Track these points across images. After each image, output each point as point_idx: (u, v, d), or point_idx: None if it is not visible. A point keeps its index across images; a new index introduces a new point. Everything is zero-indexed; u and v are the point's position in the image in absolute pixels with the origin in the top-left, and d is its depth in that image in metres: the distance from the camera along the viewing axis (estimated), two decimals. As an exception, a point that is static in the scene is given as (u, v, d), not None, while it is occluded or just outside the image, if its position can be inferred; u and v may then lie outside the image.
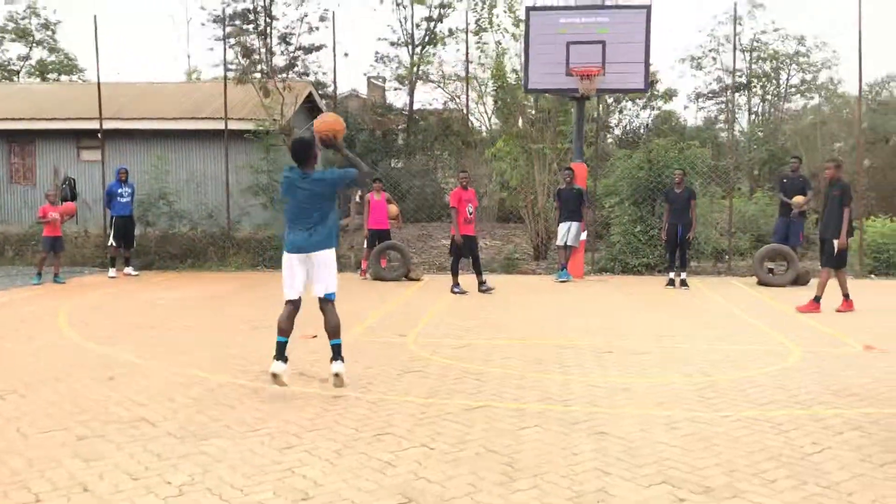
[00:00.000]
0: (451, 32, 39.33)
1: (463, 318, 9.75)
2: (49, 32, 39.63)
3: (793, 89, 37.16)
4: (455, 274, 12.10)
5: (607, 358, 7.42)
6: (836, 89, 35.35)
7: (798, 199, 13.07)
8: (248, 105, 17.00)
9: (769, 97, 37.03)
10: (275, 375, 5.97)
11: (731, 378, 6.60)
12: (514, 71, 18.10)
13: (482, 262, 12.77)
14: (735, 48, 20.06)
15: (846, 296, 10.11)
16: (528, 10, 13.26)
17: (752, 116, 34.95)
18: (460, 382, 6.47)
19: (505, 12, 18.19)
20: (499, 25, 17.42)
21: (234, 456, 4.64)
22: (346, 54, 43.27)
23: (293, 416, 5.50)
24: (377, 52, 38.70)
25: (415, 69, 37.85)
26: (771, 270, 13.06)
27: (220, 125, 16.32)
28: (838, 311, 9.94)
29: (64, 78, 39.08)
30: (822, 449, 4.78)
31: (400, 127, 37.18)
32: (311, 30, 43.79)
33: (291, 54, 42.20)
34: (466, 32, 16.65)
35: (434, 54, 38.30)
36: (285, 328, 6.08)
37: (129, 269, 14.49)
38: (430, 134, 36.13)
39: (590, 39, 12.77)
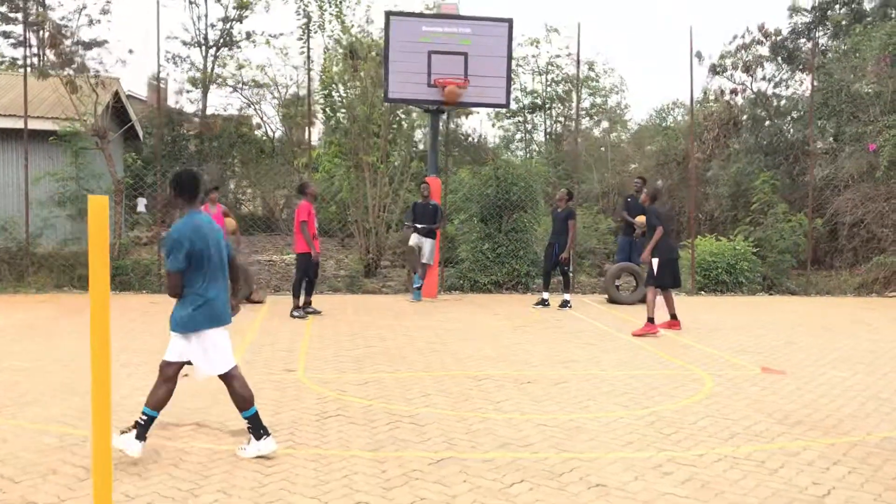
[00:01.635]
0: (248, 35, 37.72)
1: (344, 348, 8.85)
2: None
3: (583, 112, 39.32)
4: (297, 295, 11.08)
5: (532, 390, 6.92)
6: (623, 114, 37.88)
7: (641, 218, 13.41)
8: (45, 102, 14.82)
9: (561, 119, 38.95)
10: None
11: (670, 409, 6.34)
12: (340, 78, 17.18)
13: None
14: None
15: (673, 315, 10.35)
16: (388, 14, 12.50)
17: (547, 136, 36.47)
18: (397, 428, 5.67)
19: (334, 14, 17.25)
20: (328, 28, 16.44)
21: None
22: (130, 51, 40.07)
23: (225, 485, 4.46)
24: (168, 52, 36.02)
25: (209, 72, 35.78)
26: (618, 287, 13.29)
27: (12, 123, 14.04)
28: (660, 327, 10.06)
29: None
30: (828, 490, 4.57)
31: (191, 132, 34.98)
32: (91, 22, 40.25)
33: (69, 48, 38.56)
34: (307, 36, 15.40)
35: (231, 57, 36.50)
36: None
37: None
38: (224, 141, 34.27)
39: (452, 50, 12.30)
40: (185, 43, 37.15)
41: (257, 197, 36.25)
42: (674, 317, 10.36)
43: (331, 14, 16.83)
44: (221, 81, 36.55)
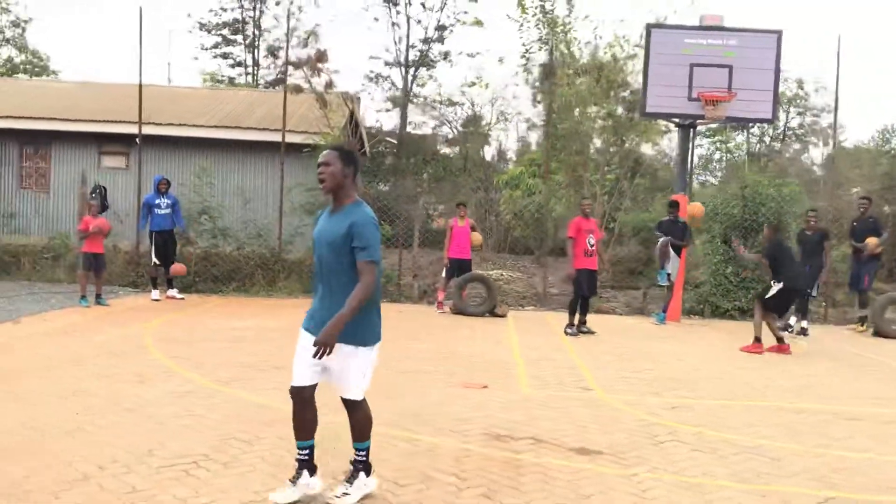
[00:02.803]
0: (445, 56, 38.59)
1: (625, 369, 8.54)
2: (19, 31, 37.44)
3: (790, 132, 37.22)
4: (572, 313, 10.88)
5: (863, 427, 6.31)
6: (831, 135, 35.43)
7: (871, 240, 12.32)
8: (293, 117, 15.59)
9: (766, 138, 37.03)
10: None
11: None
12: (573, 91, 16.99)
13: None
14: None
15: (757, 339, 10.16)
16: (649, 26, 12.21)
17: (749, 156, 34.73)
18: (751, 460, 5.27)
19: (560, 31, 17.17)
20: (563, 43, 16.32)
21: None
22: (336, 71, 41.95)
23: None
24: (371, 72, 37.49)
25: (408, 91, 36.91)
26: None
27: (268, 136, 14.87)
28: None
29: (36, 79, 36.87)
30: None
31: (387, 149, 36.09)
32: (300, 44, 42.39)
33: (280, 68, 40.97)
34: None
35: (430, 77, 37.54)
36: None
37: (172, 292, 12.86)
38: (419, 158, 35.08)
39: (716, 63, 11.80)
40: (387, 63, 38.62)
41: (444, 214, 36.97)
42: (758, 339, 10.13)
43: (559, 34, 16.81)
44: (419, 100, 37.66)
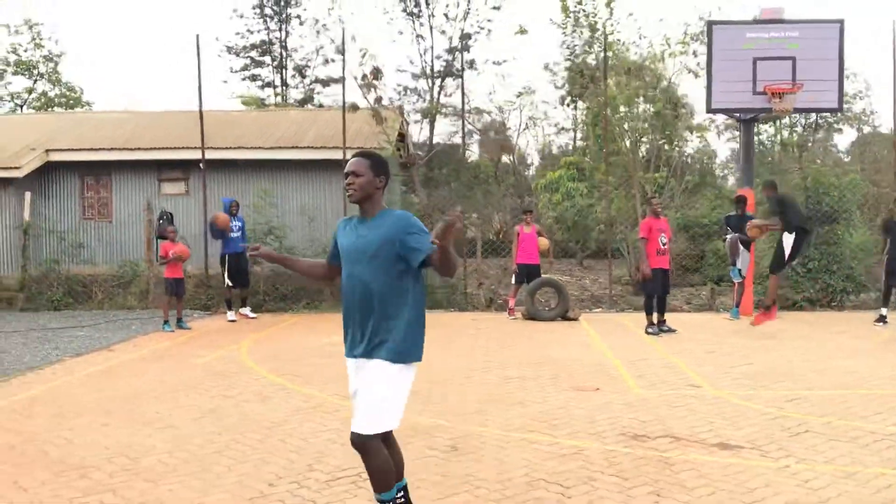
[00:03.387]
0: (471, 64, 38.82)
1: (722, 364, 8.58)
2: (52, 65, 38.07)
3: (822, 119, 36.96)
4: (650, 313, 10.94)
5: None
6: (868, 119, 35.22)
7: None
8: (348, 133, 15.75)
9: (798, 128, 36.78)
10: None
11: None
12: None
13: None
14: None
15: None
16: (710, 23, 12.32)
17: (782, 146, 34.51)
18: (893, 448, 5.30)
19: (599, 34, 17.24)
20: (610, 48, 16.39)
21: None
22: (360, 86, 42.25)
23: None
24: (399, 85, 37.75)
25: (435, 102, 37.16)
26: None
27: (327, 154, 15.08)
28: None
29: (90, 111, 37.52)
30: None
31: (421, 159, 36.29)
32: (326, 62, 42.72)
33: (308, 87, 41.32)
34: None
35: (457, 87, 37.72)
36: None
37: (246, 311, 13.07)
38: (451, 168, 35.22)
39: (779, 55, 11.86)
40: (414, 75, 38.92)
41: (484, 221, 37.07)
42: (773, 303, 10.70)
43: (601, 36, 16.88)
44: (447, 111, 37.84)
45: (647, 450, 5.32)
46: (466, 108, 39.48)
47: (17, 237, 15.13)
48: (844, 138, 37.16)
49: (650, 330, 10.85)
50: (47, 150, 15.86)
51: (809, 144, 35.41)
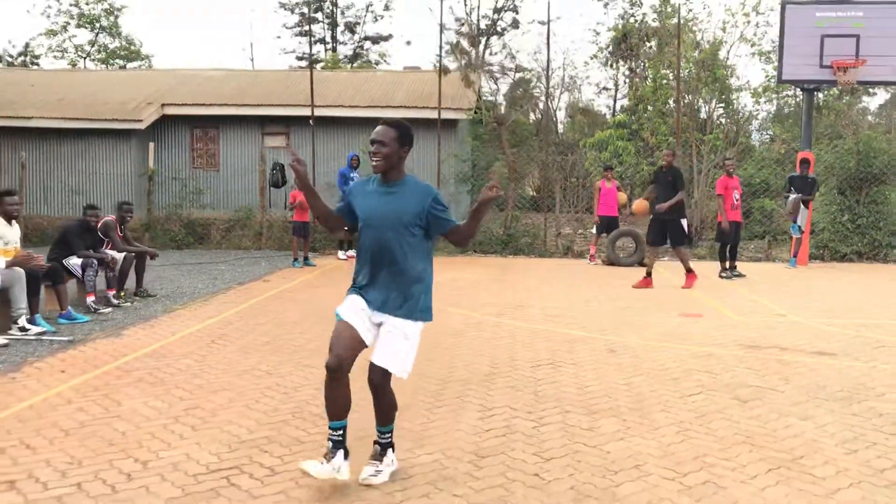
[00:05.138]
0: (515, 24, 39.86)
1: (796, 301, 10.18)
2: (112, 18, 39.47)
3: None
4: (723, 259, 12.55)
5: None
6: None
7: None
8: (434, 95, 17.26)
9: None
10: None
11: None
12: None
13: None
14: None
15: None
16: (784, 3, 13.76)
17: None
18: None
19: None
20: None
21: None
22: (408, 43, 43.56)
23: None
24: (447, 43, 38.91)
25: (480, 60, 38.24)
26: None
27: (423, 114, 16.63)
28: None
29: (130, 65, 39.02)
30: None
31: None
32: (375, 18, 43.81)
33: (357, 43, 42.59)
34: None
35: (504, 46, 38.76)
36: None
37: (351, 252, 14.82)
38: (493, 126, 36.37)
39: (845, 33, 13.29)
40: (458, 34, 39.97)
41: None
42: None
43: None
44: (489, 69, 38.97)
45: (764, 354, 6.96)
46: (509, 65, 40.65)
47: (137, 183, 16.87)
48: (875, 99, 38.00)
49: (724, 274, 12.46)
50: (162, 105, 17.49)
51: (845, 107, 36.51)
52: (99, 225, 9.25)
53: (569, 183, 23.71)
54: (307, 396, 5.42)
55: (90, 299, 8.67)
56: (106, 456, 4.24)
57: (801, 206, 13.72)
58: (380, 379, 3.83)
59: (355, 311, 3.86)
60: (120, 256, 9.36)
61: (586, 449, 4.41)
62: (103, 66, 38.52)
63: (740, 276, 12.53)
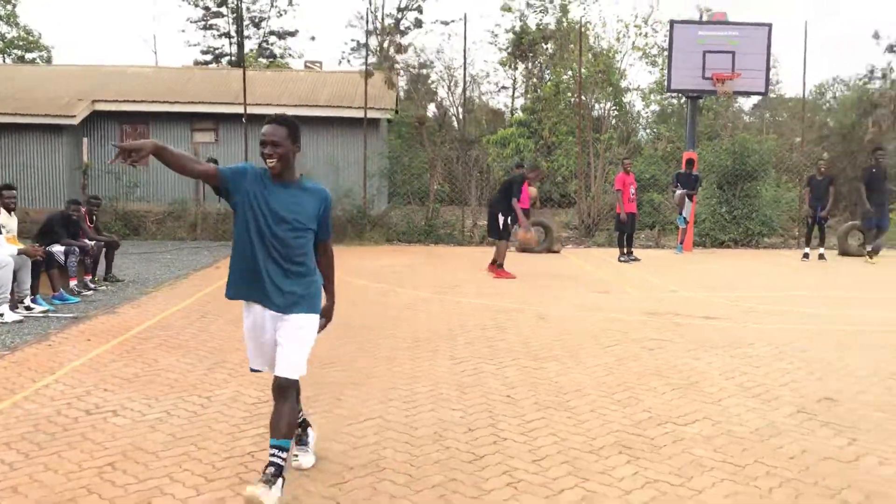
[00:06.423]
0: (419, 23, 41.36)
1: (683, 279, 12.05)
2: (10, 7, 38.60)
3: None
4: (622, 246, 14.39)
5: None
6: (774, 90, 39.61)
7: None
8: (357, 95, 18.49)
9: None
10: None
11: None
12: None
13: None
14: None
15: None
16: (672, 22, 15.77)
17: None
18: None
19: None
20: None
21: None
22: (312, 38, 44.29)
23: None
24: (353, 40, 40.09)
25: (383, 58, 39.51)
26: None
27: (348, 113, 17.85)
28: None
29: (29, 55, 38.32)
30: None
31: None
32: (280, 14, 44.40)
33: (262, 38, 43.02)
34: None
35: (409, 44, 40.15)
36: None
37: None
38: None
39: (723, 49, 15.37)
40: (367, 32, 41.20)
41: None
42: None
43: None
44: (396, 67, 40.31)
45: (663, 319, 8.65)
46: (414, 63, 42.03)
47: (71, 177, 17.40)
48: (749, 101, 41.48)
49: (622, 258, 14.31)
50: (93, 101, 18.03)
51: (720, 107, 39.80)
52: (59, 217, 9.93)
53: (472, 177, 25.49)
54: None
55: (73, 283, 9.57)
56: (174, 394, 5.43)
57: (686, 199, 15.74)
58: (285, 383, 3.74)
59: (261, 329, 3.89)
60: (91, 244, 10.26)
61: (540, 381, 5.89)
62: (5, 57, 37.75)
63: (636, 260, 14.39)
